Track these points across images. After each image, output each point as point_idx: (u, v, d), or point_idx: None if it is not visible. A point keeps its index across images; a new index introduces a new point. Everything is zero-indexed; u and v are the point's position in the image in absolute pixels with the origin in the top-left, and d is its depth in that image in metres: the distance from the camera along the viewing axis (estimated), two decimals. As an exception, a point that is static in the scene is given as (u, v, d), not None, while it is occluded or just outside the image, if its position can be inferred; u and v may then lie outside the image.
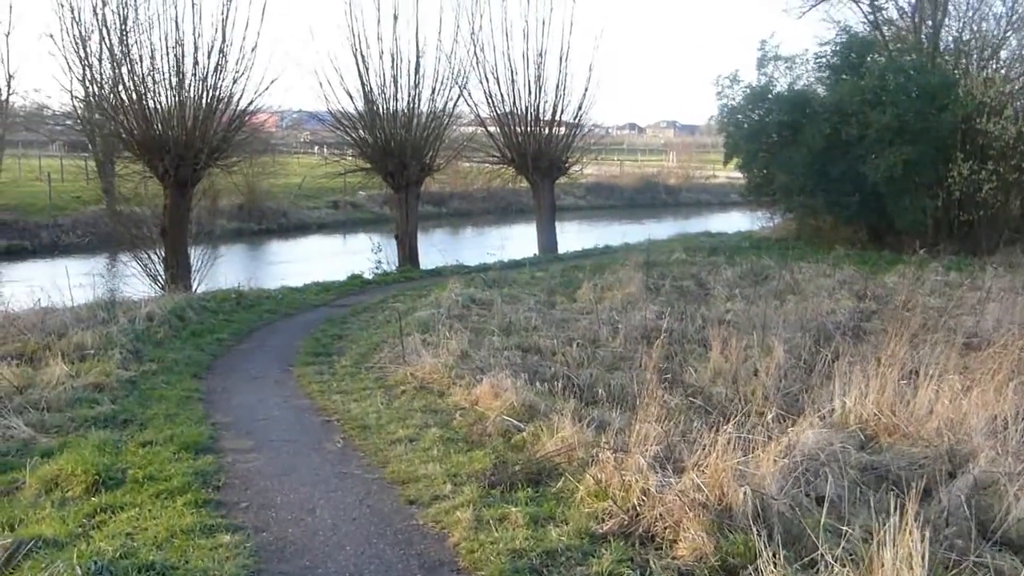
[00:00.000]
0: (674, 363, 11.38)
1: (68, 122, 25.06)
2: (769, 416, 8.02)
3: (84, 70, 17.61)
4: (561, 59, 26.32)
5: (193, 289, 18.59)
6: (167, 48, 17.12)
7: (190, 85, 17.38)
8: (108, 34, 17.09)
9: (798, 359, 11.13)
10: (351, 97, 22.27)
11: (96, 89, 17.45)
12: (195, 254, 19.29)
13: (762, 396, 9.53)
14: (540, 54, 25.83)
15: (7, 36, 30.80)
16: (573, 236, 32.86)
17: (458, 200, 46.83)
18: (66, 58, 17.28)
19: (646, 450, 6.26)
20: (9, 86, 30.47)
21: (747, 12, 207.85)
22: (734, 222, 42.39)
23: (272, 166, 41.85)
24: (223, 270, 26.98)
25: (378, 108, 22.43)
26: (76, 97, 17.88)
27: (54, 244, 32.61)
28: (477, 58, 24.84)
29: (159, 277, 18.60)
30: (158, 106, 17.37)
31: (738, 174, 67.27)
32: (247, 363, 11.79)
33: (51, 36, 17.38)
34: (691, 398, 9.50)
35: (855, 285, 17.28)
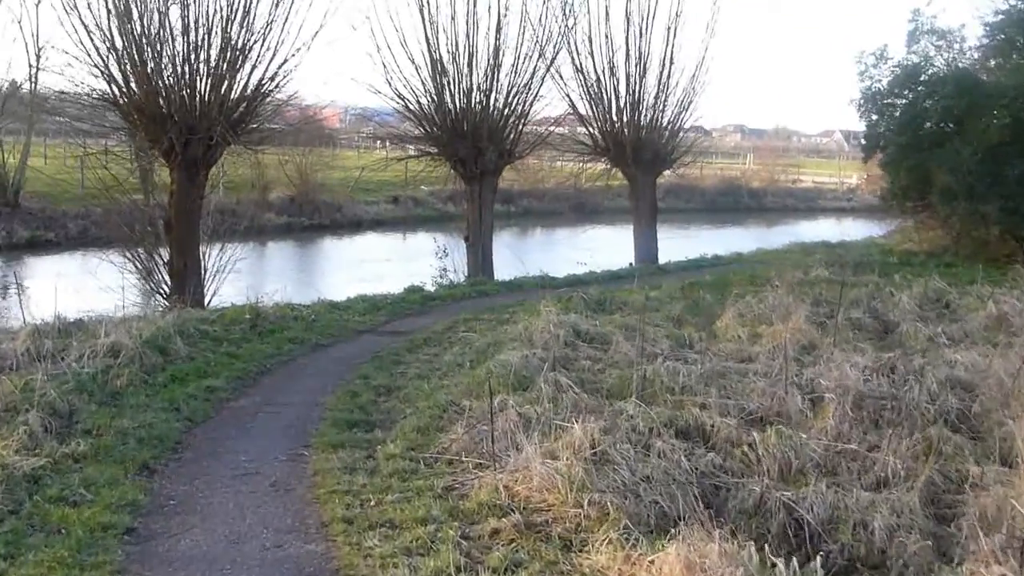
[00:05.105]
0: (932, 464, 6.88)
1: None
2: None
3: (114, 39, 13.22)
4: (669, 29, 21.68)
5: (206, 301, 14.40)
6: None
7: (203, 33, 13.12)
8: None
9: None
10: (415, 65, 17.91)
11: (88, 41, 13.17)
12: (213, 254, 15.03)
13: None
14: (644, 16, 21.25)
15: (37, 5, 26.95)
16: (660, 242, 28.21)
17: (528, 199, 42.50)
18: (101, 29, 12.85)
19: None
20: (39, 60, 26.51)
21: (817, 13, 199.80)
22: (827, 229, 37.68)
23: (328, 157, 38.17)
24: (259, 272, 23.05)
25: (449, 78, 18.01)
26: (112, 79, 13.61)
27: (83, 236, 28.80)
28: (568, 25, 20.21)
29: (164, 285, 14.41)
30: (162, 59, 13.05)
31: (826, 178, 63.04)
32: (238, 440, 7.42)
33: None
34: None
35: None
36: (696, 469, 6.38)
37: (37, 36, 26.37)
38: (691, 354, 10.28)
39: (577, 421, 6.72)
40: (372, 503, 5.87)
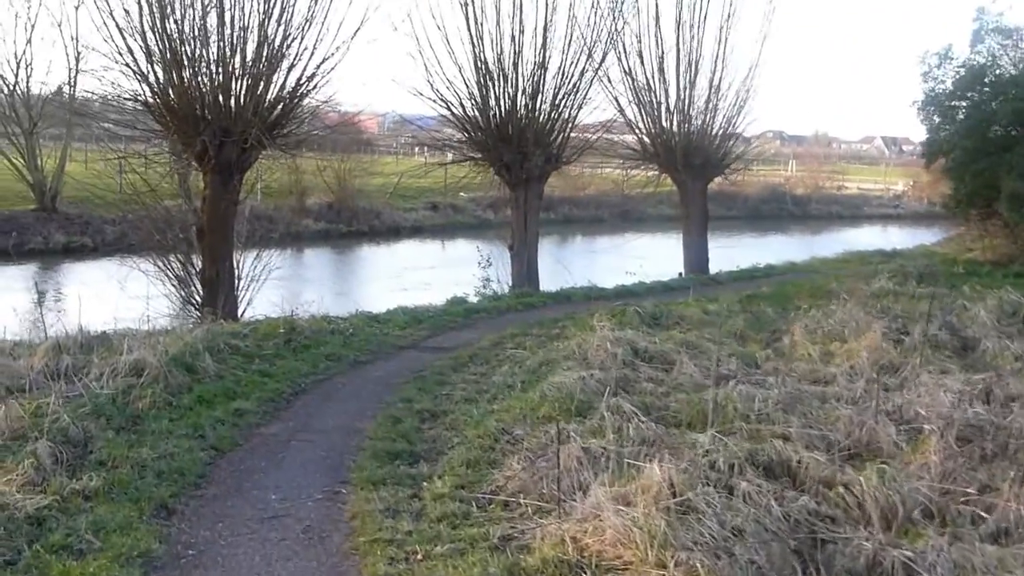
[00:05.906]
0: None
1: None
2: None
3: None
4: (722, 29, 20.76)
5: (240, 311, 13.74)
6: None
7: (239, 30, 12.43)
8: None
9: None
10: (458, 66, 17.13)
11: (121, 40, 12.55)
12: (247, 263, 14.35)
13: None
14: (695, 17, 20.37)
15: (76, 8, 26.56)
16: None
17: (569, 205, 41.57)
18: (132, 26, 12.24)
19: None
20: (78, 63, 26.14)
21: (854, 16, 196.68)
22: (874, 237, 36.58)
23: (367, 163, 37.58)
24: (296, 280, 22.41)
25: (494, 80, 17.21)
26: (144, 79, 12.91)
27: (120, 242, 28.34)
28: (616, 27, 19.31)
29: (197, 294, 13.74)
30: (199, 60, 12.35)
31: (871, 184, 61.58)
32: (269, 473, 6.67)
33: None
34: None
35: None
36: (789, 517, 5.54)
37: (76, 40, 26.00)
38: (760, 375, 9.41)
39: (649, 458, 5.91)
40: (419, 556, 5.08)
